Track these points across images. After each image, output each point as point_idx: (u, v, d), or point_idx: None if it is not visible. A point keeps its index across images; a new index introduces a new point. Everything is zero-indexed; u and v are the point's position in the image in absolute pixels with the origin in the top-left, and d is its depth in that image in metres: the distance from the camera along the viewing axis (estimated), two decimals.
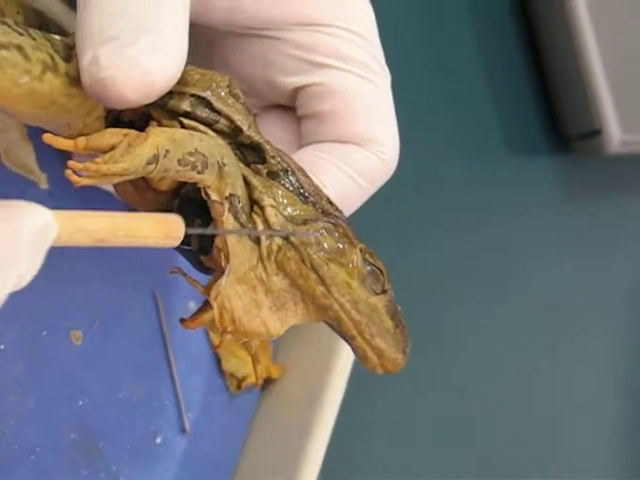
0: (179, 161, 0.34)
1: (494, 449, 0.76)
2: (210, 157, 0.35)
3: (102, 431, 0.52)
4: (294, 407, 0.58)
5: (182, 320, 0.39)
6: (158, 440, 0.55)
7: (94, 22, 0.34)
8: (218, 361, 0.58)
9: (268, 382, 0.61)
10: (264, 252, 0.36)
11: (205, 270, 0.38)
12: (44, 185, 0.48)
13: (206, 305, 0.39)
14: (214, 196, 0.35)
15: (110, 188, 0.43)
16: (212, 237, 0.36)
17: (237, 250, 0.36)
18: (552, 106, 0.84)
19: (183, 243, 0.39)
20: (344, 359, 0.57)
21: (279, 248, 0.36)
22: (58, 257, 0.51)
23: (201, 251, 0.38)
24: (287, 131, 0.44)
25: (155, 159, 0.33)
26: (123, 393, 0.53)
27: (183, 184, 0.37)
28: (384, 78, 0.43)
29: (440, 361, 0.73)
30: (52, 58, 0.35)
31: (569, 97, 0.81)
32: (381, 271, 0.38)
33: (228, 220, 0.35)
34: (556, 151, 0.84)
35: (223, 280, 0.36)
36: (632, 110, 0.79)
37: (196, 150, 0.34)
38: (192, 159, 0.34)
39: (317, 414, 0.56)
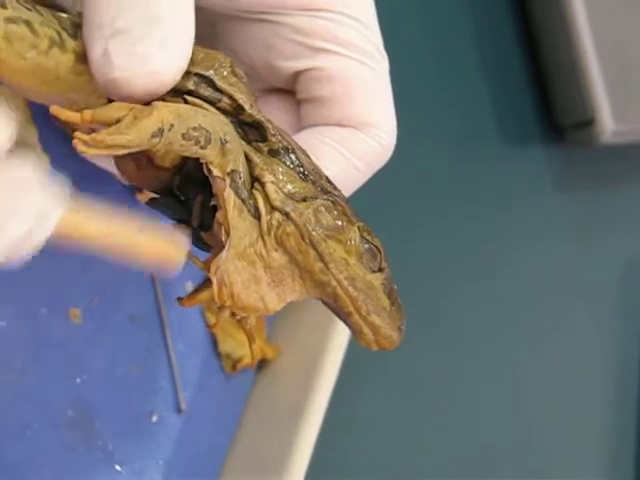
0: (183, 135, 0.34)
1: (483, 440, 0.76)
2: (213, 133, 0.35)
3: (99, 409, 0.53)
4: (288, 388, 0.59)
5: (179, 299, 0.40)
6: (154, 419, 0.55)
7: (103, 9, 0.34)
8: (214, 342, 0.59)
9: (263, 363, 0.62)
10: (264, 227, 0.37)
11: (204, 247, 0.39)
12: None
13: (203, 284, 0.39)
14: (216, 172, 0.36)
15: (112, 168, 0.44)
16: (213, 213, 0.37)
17: (238, 225, 0.36)
18: (545, 96, 0.84)
19: (183, 221, 0.39)
20: (338, 341, 0.58)
21: (279, 224, 0.37)
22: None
23: (202, 227, 0.38)
24: (287, 114, 0.44)
25: (160, 132, 0.33)
26: (120, 372, 0.54)
27: (185, 161, 0.38)
28: (383, 64, 0.44)
29: (432, 349, 0.74)
30: (59, 34, 0.35)
31: (562, 87, 0.82)
32: (378, 249, 0.39)
33: (229, 196, 0.36)
34: (549, 141, 0.85)
35: (223, 255, 0.36)
36: (625, 100, 0.80)
37: (199, 125, 0.35)
38: (196, 134, 0.34)
39: (311, 395, 0.56)
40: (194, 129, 0.34)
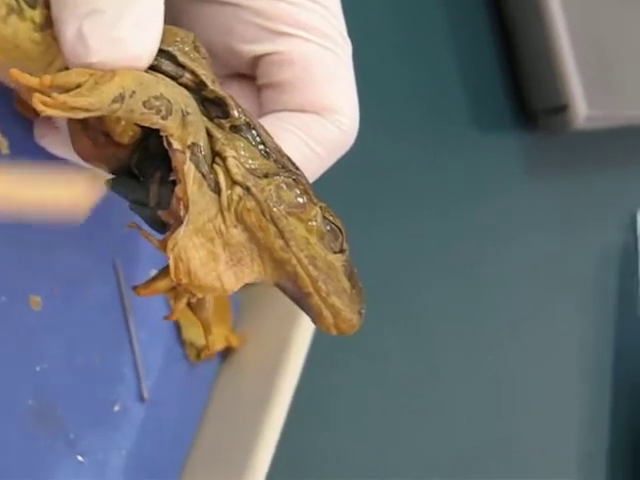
0: (144, 103, 0.34)
1: (455, 434, 0.76)
2: (174, 104, 0.35)
3: (60, 398, 0.52)
4: (253, 377, 0.58)
5: (135, 287, 0.39)
6: (116, 408, 0.55)
7: None
8: (178, 330, 0.58)
9: (228, 352, 0.61)
10: (224, 202, 0.36)
11: (161, 228, 0.38)
12: (5, 151, 0.48)
13: (160, 273, 0.39)
14: (176, 144, 0.35)
15: (71, 156, 0.43)
16: (172, 189, 0.36)
17: (197, 199, 0.36)
18: (518, 81, 0.83)
19: (139, 202, 0.39)
20: (304, 330, 0.57)
21: (239, 198, 0.36)
22: (18, 222, 0.51)
23: (159, 206, 0.38)
24: (247, 100, 0.44)
25: (121, 98, 0.33)
26: (82, 360, 0.53)
27: (144, 138, 0.37)
28: (345, 49, 0.43)
29: (405, 342, 0.73)
30: (17, 2, 0.35)
31: (535, 72, 0.81)
32: (340, 230, 0.38)
33: (190, 169, 0.35)
34: (522, 127, 0.84)
35: (181, 230, 0.36)
36: (598, 86, 0.80)
37: (161, 94, 0.34)
38: (157, 103, 0.34)
39: (277, 384, 0.56)
40: (156, 98, 0.34)
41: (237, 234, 0.37)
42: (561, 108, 0.79)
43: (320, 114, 0.42)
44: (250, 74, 0.44)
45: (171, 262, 0.36)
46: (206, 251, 0.36)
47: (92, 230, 0.54)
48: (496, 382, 0.79)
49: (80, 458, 0.53)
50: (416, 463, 0.72)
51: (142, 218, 0.39)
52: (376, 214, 0.72)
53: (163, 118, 0.34)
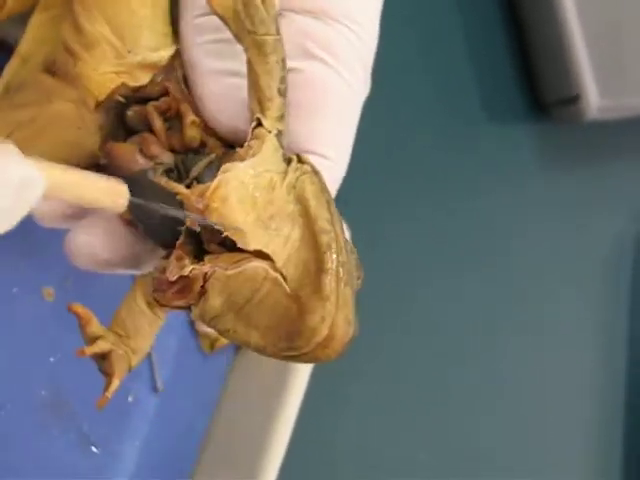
0: (282, 60, 0.37)
1: (464, 435, 0.76)
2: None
3: (73, 388, 0.52)
4: (267, 369, 0.58)
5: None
6: (130, 399, 0.55)
7: None
8: (192, 321, 0.58)
9: None
10: (293, 166, 0.36)
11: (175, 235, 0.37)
12: None
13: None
14: (267, 124, 0.36)
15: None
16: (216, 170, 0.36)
17: (268, 153, 0.36)
18: (530, 73, 0.83)
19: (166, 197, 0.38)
20: None
21: (307, 172, 0.36)
22: (30, 214, 0.50)
23: (199, 179, 0.37)
24: None
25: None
26: None
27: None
28: (363, 87, 0.42)
29: (415, 338, 0.73)
30: None
31: (547, 63, 0.81)
32: (360, 263, 0.38)
33: (271, 137, 0.36)
34: (534, 118, 0.84)
35: (242, 164, 0.35)
36: (610, 76, 0.79)
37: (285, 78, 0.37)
38: (284, 75, 0.37)
39: (290, 376, 0.56)
40: (283, 68, 0.37)
41: (285, 199, 0.36)
42: (573, 98, 0.79)
43: (311, 151, 0.40)
44: None
45: (215, 181, 0.35)
46: (249, 193, 0.35)
47: None
48: (507, 378, 0.79)
49: (94, 449, 0.53)
50: (429, 464, 0.72)
51: (160, 232, 0.38)
52: (388, 209, 0.72)
53: (279, 92, 0.36)
